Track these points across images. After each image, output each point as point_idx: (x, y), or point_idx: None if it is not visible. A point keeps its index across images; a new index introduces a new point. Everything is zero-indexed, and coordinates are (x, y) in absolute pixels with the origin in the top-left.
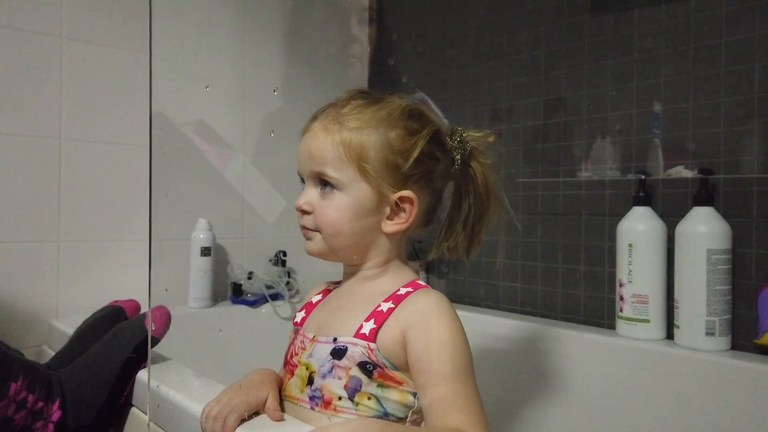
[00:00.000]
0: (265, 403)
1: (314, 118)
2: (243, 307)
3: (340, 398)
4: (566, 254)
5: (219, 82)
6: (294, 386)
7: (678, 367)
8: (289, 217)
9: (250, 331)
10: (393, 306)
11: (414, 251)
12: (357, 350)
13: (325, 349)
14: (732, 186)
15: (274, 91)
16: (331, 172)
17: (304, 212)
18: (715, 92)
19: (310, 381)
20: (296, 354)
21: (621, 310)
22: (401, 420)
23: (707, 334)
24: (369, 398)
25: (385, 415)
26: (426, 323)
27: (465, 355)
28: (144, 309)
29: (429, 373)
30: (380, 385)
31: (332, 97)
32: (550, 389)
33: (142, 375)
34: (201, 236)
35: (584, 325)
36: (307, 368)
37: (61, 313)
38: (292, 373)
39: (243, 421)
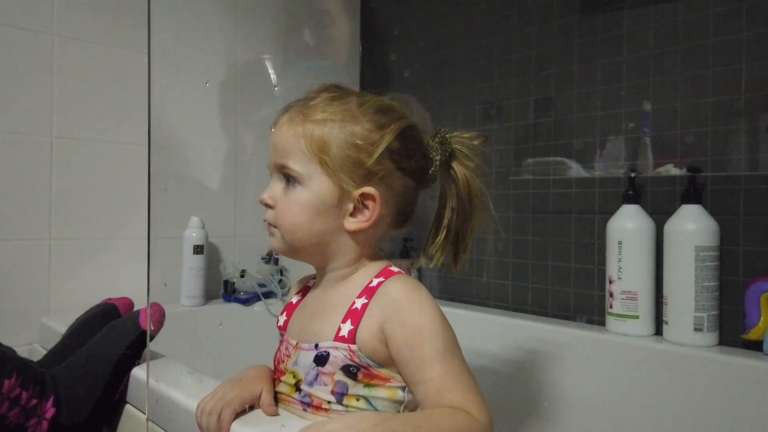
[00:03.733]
0: (259, 398)
1: (284, 110)
2: (235, 305)
3: (329, 402)
4: (557, 252)
5: (212, 80)
6: (283, 391)
7: (667, 362)
8: None
9: (243, 328)
10: (366, 301)
11: (405, 249)
12: (339, 354)
13: (308, 357)
14: (719, 184)
15: (275, 87)
16: (293, 165)
17: (267, 206)
18: (703, 92)
19: (298, 388)
20: (282, 361)
21: (611, 307)
22: None
23: (695, 329)
24: (357, 399)
25: None
26: (400, 314)
27: (446, 336)
28: (138, 306)
29: (414, 363)
30: (367, 385)
31: None
32: (541, 386)
33: (137, 372)
34: (194, 234)
35: (575, 321)
36: (294, 376)
37: (52, 311)
38: (280, 380)
39: (238, 415)
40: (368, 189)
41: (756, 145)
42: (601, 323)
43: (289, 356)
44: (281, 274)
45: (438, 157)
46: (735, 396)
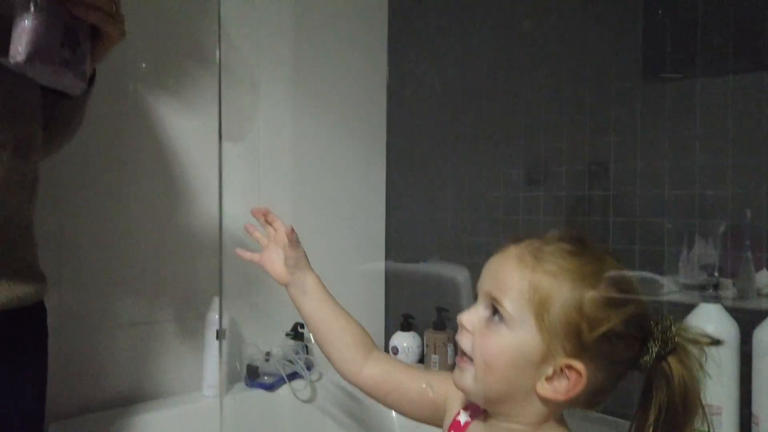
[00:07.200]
0: None
1: (515, 241)
2: (260, 392)
3: None
4: None
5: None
6: None
7: None
8: None
9: (269, 417)
10: None
11: (440, 319)
12: None
13: None
14: None
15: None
16: (507, 304)
17: (464, 329)
18: None
19: None
20: None
21: None
22: None
23: None
24: None
25: None
26: None
27: None
28: None
29: None
30: None
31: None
32: None
33: None
34: (216, 317)
35: None
36: None
37: None
38: None
39: None
40: (577, 363)
41: None
42: None
43: None
44: (307, 352)
45: (656, 350)
46: None
